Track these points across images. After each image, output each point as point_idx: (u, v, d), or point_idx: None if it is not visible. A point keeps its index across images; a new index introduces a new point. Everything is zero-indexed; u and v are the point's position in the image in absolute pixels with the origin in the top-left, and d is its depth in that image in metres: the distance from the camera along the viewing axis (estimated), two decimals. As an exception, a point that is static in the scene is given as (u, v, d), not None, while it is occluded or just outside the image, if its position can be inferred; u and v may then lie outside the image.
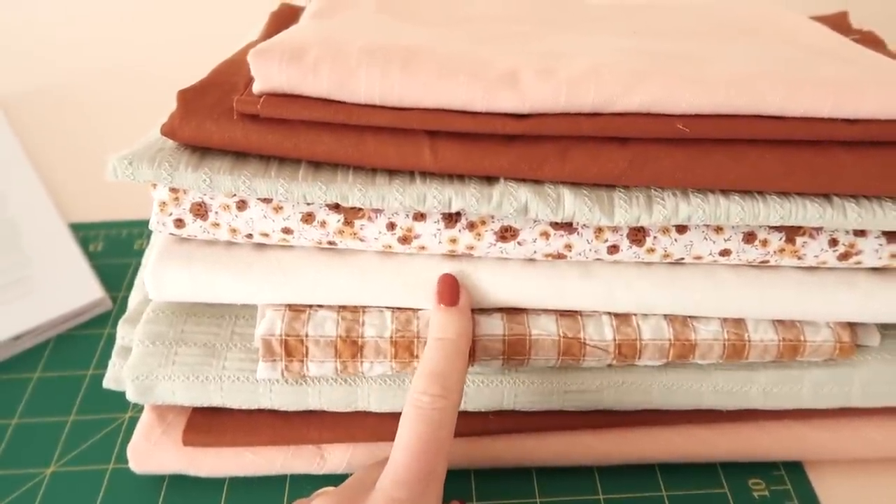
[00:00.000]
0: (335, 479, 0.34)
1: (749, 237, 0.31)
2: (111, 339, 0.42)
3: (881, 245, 0.31)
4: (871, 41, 0.38)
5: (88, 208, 0.54)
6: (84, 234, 0.52)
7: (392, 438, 0.28)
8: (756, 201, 0.29)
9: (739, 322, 0.34)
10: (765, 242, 0.31)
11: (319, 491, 0.31)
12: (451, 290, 0.31)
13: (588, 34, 0.35)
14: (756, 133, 0.28)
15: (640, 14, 0.39)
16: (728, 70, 0.29)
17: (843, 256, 0.32)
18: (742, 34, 0.36)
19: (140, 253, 0.50)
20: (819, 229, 0.31)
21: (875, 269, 0.33)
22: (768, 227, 0.31)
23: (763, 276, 0.33)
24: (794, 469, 0.38)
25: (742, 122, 0.28)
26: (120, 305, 0.47)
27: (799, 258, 0.32)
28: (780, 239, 0.31)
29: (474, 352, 0.32)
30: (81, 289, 0.46)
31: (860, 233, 0.31)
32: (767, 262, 0.32)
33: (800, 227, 0.31)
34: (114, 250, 0.51)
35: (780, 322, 0.34)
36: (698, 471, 0.37)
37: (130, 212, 0.53)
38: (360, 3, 0.36)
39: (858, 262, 0.32)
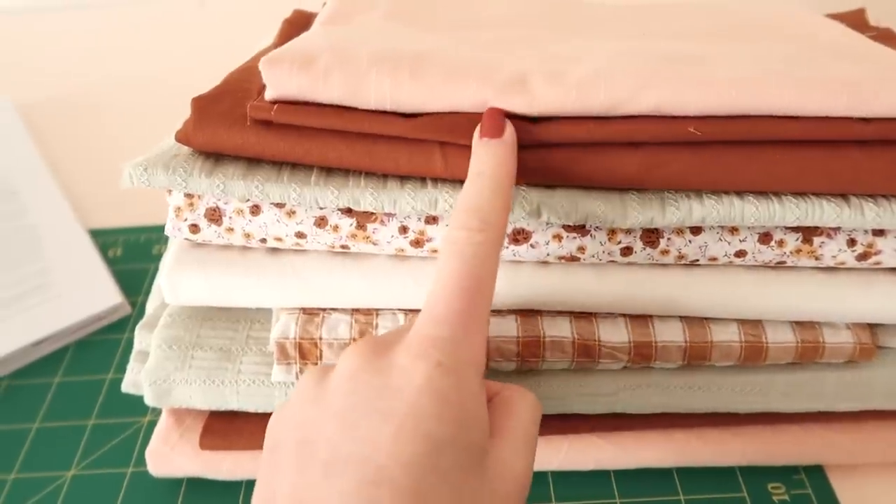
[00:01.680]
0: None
1: (765, 238, 0.31)
2: (130, 344, 0.42)
3: (901, 245, 0.31)
4: (888, 38, 0.37)
5: (107, 214, 0.55)
6: (103, 240, 0.53)
7: None
8: (771, 202, 0.29)
9: (757, 324, 0.33)
10: (781, 243, 0.31)
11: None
12: (495, 121, 0.27)
13: (597, 37, 0.35)
14: (769, 134, 0.28)
15: (651, 15, 0.39)
16: (740, 70, 0.29)
17: (862, 257, 0.31)
18: (754, 33, 0.36)
19: (158, 258, 0.50)
20: (837, 229, 0.31)
21: (895, 270, 0.33)
22: (784, 227, 0.31)
23: (780, 276, 0.32)
24: (815, 473, 0.37)
25: (755, 123, 0.28)
26: (139, 310, 0.47)
27: (816, 259, 0.31)
28: (797, 239, 0.31)
29: (488, 350, 0.32)
30: (101, 294, 0.47)
31: (879, 232, 0.31)
32: (784, 262, 0.32)
33: (817, 228, 0.30)
34: (132, 256, 0.52)
35: (799, 324, 0.33)
36: (716, 475, 0.37)
37: (148, 217, 0.54)
38: (371, 10, 0.37)
39: (878, 263, 0.31)
